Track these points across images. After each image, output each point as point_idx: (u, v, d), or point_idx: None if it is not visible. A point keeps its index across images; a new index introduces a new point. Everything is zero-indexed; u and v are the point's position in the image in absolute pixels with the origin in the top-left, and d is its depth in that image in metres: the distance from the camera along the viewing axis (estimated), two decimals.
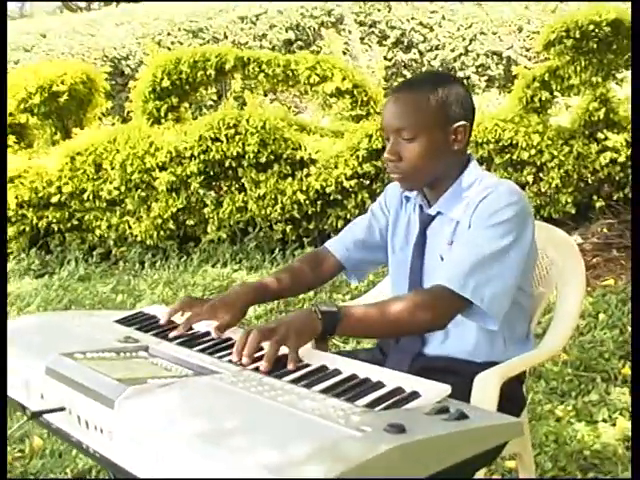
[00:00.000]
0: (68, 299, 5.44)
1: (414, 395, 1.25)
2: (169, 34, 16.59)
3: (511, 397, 1.80)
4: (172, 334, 1.68)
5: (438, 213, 1.90)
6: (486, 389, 1.63)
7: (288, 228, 6.25)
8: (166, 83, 6.60)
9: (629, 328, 3.91)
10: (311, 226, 6.30)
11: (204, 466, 1.00)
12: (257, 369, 1.40)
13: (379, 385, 1.31)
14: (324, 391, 1.27)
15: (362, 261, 2.15)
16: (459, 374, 1.74)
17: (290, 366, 1.41)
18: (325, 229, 6.31)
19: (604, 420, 2.98)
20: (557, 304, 2.01)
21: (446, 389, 1.28)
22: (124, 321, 1.84)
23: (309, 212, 6.23)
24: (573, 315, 1.93)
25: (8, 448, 2.98)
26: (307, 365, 1.43)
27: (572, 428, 2.89)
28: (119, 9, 16.50)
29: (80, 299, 5.42)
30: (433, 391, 1.27)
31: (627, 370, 3.39)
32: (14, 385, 1.52)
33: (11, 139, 7.07)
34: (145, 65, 12.38)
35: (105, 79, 7.78)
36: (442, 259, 1.86)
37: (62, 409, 1.32)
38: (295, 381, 1.33)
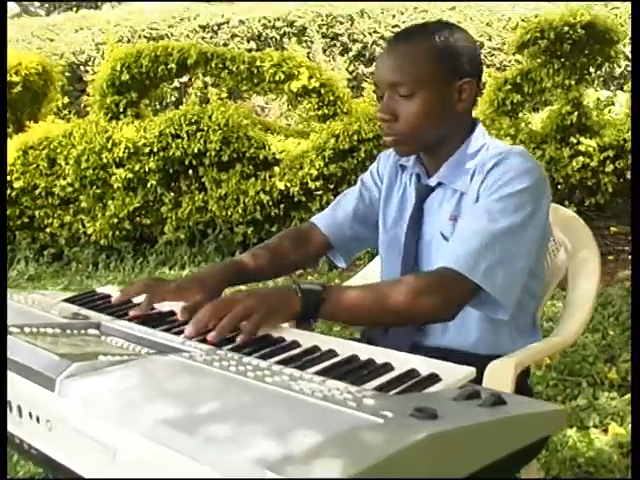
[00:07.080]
0: None
1: (433, 378, 1.00)
2: (129, 41, 16.26)
3: (520, 392, 1.55)
4: (131, 313, 1.38)
5: (439, 184, 1.65)
6: (500, 380, 1.38)
7: (250, 230, 5.99)
8: (126, 77, 6.28)
9: (611, 332, 3.74)
10: (274, 229, 6.04)
11: (176, 462, 0.73)
12: (235, 349, 1.13)
13: (387, 367, 1.05)
14: (321, 373, 1.01)
15: (352, 238, 1.86)
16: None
17: (239, 339, 1.16)
18: None
19: (595, 426, 2.77)
20: (570, 291, 1.77)
21: (471, 371, 1.03)
22: (73, 300, 1.55)
23: (272, 214, 5.99)
24: (590, 302, 1.69)
25: None
26: (295, 345, 1.16)
27: (562, 434, 2.66)
28: (79, 14, 16.15)
29: None
30: (455, 374, 1.01)
31: (613, 374, 3.19)
32: None
33: None
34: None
35: (62, 85, 7.45)
36: (443, 236, 1.61)
37: None
38: (284, 363, 1.06)
